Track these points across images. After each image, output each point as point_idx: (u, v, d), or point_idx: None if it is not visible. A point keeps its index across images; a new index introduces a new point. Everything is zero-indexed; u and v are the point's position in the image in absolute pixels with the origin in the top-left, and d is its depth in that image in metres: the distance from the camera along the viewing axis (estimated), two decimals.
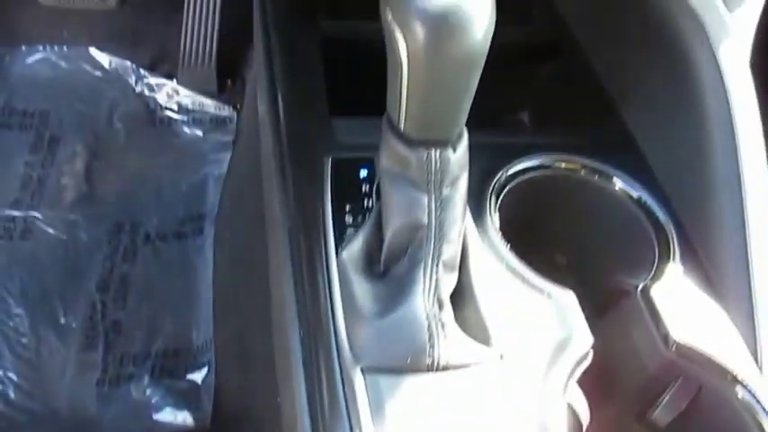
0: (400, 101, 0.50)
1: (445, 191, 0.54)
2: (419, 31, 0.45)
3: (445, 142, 0.52)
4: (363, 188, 0.69)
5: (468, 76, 0.49)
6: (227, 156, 1.52)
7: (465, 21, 0.45)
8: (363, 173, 0.70)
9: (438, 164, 0.53)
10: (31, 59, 1.63)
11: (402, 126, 0.52)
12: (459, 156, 0.53)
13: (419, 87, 0.49)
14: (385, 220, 0.57)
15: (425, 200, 0.54)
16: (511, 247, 0.69)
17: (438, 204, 0.54)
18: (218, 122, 1.63)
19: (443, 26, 0.45)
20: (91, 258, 1.35)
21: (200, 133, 1.61)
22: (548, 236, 0.82)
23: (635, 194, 0.74)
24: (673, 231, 0.71)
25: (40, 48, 1.64)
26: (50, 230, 1.37)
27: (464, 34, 0.45)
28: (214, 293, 1.29)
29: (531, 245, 0.80)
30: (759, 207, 0.65)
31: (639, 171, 0.76)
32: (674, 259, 0.68)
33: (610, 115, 0.84)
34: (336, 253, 0.62)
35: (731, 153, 0.65)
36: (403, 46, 0.46)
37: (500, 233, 0.69)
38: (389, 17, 0.46)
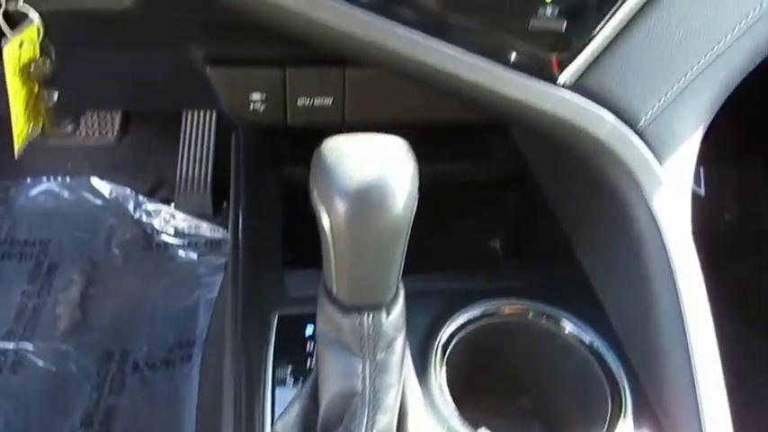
0: (330, 269, 0.51)
1: (380, 355, 0.54)
2: (341, 208, 0.46)
3: (378, 306, 0.53)
4: (308, 346, 0.69)
5: (393, 246, 0.49)
6: (221, 278, 1.54)
7: (385, 197, 0.45)
8: (309, 330, 0.70)
9: (371, 329, 0.53)
10: (34, 191, 1.71)
11: (335, 291, 0.52)
12: (393, 319, 0.53)
13: (345, 259, 0.50)
14: (321, 386, 0.57)
15: (360, 366, 0.54)
16: (472, 392, 0.68)
17: (373, 369, 0.54)
18: (212, 245, 1.67)
19: (364, 204, 0.46)
20: (78, 390, 1.35)
21: (194, 256, 1.64)
22: (510, 378, 0.80)
23: (586, 339, 0.73)
24: (625, 383, 0.69)
25: (44, 179, 1.72)
26: (40, 363, 1.38)
27: (384, 210, 0.46)
28: (197, 423, 1.27)
29: (495, 387, 0.78)
30: (706, 362, 0.63)
31: (592, 313, 0.75)
32: (625, 416, 0.66)
33: (564, 253, 0.84)
34: (272, 422, 0.61)
35: (675, 306, 0.64)
36: (327, 222, 0.47)
37: (445, 390, 0.68)
38: (314, 194, 0.48)
